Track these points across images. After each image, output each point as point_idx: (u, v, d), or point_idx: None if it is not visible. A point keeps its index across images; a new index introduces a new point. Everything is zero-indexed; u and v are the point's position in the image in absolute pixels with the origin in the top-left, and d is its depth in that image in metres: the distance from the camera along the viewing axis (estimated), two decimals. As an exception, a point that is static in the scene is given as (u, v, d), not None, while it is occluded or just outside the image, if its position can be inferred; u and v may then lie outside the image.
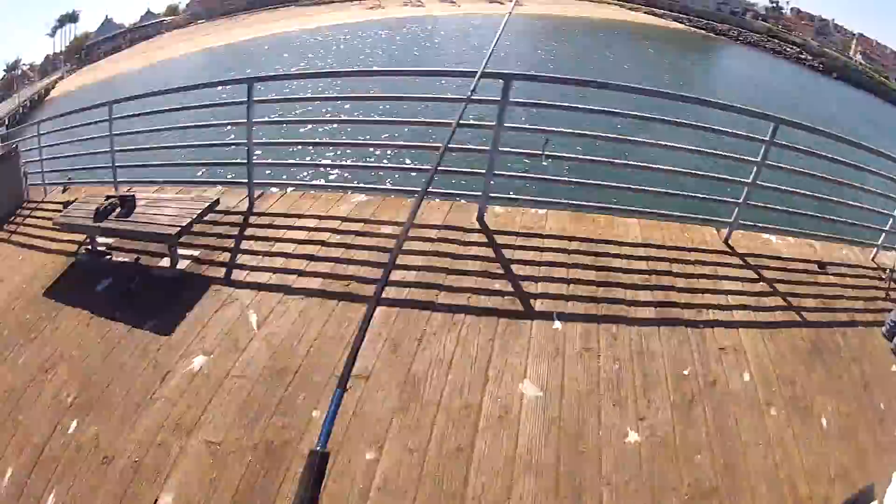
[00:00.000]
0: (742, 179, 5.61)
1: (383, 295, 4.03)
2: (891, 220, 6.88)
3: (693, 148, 5.66)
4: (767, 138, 5.37)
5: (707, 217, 5.91)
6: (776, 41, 69.02)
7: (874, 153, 6.38)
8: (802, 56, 68.77)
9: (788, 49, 68.57)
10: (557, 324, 4.17)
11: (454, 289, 4.27)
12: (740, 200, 5.64)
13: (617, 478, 3.39)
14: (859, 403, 4.85)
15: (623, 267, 4.99)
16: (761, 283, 5.55)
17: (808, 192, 6.17)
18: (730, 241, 5.82)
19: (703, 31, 60.12)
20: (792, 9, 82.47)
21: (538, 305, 4.28)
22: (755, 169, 5.50)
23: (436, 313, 4.04)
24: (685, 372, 4.26)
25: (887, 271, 6.84)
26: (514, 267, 4.63)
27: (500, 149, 5.10)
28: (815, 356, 5.05)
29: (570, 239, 5.09)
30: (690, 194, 5.62)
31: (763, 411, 4.28)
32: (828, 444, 4.31)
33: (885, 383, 5.27)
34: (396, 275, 4.39)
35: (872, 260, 7.09)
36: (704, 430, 3.92)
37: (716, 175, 5.70)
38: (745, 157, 5.56)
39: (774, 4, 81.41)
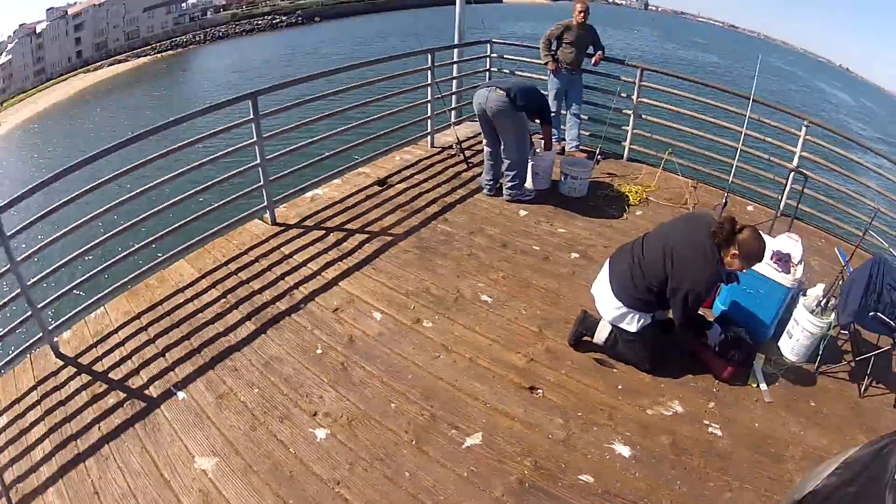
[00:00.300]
0: (253, 163, 5.60)
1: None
2: (428, 106, 7.56)
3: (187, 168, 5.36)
4: (251, 116, 5.39)
5: (249, 213, 5.81)
6: (245, 22, 70.69)
7: (361, 66, 6.76)
8: (276, 20, 71.46)
9: (259, 22, 70.68)
10: (181, 394, 3.92)
11: (78, 434, 3.75)
12: (261, 182, 5.65)
13: (340, 473, 3.36)
14: (511, 261, 5.35)
15: (197, 307, 4.79)
16: (331, 233, 5.71)
17: (326, 134, 6.35)
18: (277, 220, 5.86)
19: (169, 52, 59.80)
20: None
21: (154, 391, 3.97)
22: (256, 148, 5.51)
23: (86, 463, 3.55)
24: (318, 352, 4.26)
25: (454, 146, 7.51)
26: (112, 374, 4.20)
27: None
28: (430, 255, 5.40)
29: (139, 316, 4.73)
30: (218, 205, 5.40)
31: (417, 329, 4.47)
32: (506, 311, 4.71)
33: (523, 228, 5.93)
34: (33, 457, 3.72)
35: (431, 147, 7.80)
36: (377, 381, 4.00)
37: (226, 175, 5.48)
38: (244, 144, 5.53)
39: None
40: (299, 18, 72.48)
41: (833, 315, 4.39)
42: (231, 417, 3.72)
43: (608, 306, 4.06)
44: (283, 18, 72.06)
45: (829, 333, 4.35)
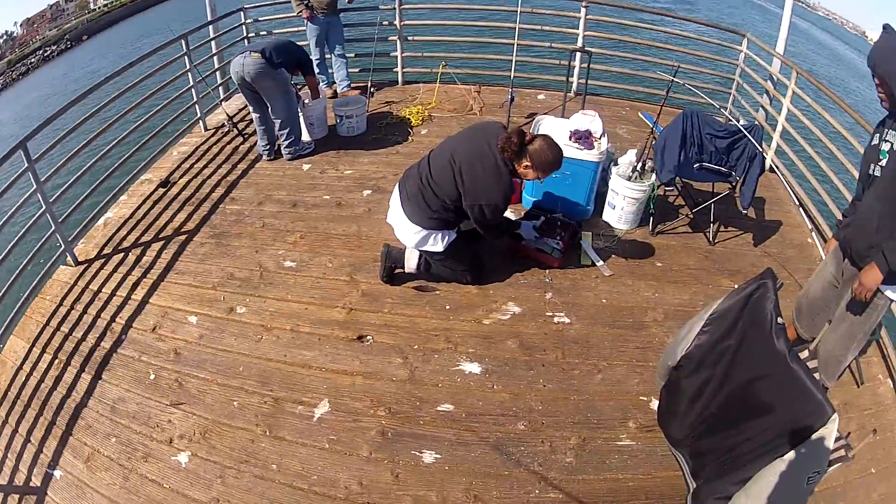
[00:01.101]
0: (40, 211, 5.22)
1: None
2: (193, 91, 7.31)
3: None
4: (26, 165, 5.04)
5: (52, 263, 5.51)
6: (20, 65, 66.02)
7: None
8: (47, 52, 66.37)
9: (33, 60, 65.85)
10: (57, 473, 3.72)
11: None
12: (52, 227, 5.32)
13: (215, 490, 3.32)
14: (304, 219, 5.41)
15: (39, 378, 4.53)
16: (130, 253, 5.50)
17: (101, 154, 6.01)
18: (80, 259, 5.54)
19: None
20: (22, 23, 78.30)
21: (36, 480, 3.76)
22: (38, 195, 5.18)
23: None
24: (152, 377, 4.15)
25: (226, 122, 7.37)
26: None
27: None
28: (225, 240, 5.39)
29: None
30: (21, 267, 4.98)
31: (233, 319, 4.46)
32: (312, 270, 4.84)
33: (309, 182, 6.05)
34: None
35: (205, 130, 7.59)
36: (214, 385, 3.97)
37: (18, 237, 4.97)
38: (26, 196, 5.18)
39: (6, 35, 76.65)
40: (69, 43, 67.58)
41: (653, 176, 4.50)
42: (104, 476, 3.60)
43: (408, 233, 4.02)
44: (54, 48, 66.82)
45: (654, 195, 4.49)
